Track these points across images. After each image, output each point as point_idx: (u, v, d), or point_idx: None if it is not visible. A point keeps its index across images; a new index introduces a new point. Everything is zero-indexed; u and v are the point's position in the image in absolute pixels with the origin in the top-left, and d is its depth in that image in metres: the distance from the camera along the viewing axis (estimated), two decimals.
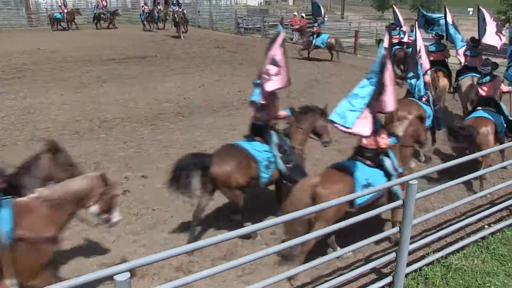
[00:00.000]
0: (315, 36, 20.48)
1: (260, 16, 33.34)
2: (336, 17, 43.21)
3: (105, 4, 34.31)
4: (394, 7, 19.33)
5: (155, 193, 7.51)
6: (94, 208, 4.58)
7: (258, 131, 6.50)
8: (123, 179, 8.03)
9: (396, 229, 4.96)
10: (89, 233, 6.28)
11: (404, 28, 16.57)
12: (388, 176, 5.60)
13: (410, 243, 4.96)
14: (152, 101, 13.31)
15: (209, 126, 11.04)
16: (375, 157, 5.68)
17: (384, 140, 5.62)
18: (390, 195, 5.65)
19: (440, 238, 6.04)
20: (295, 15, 28.31)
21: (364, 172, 5.54)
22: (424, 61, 9.03)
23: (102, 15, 33.65)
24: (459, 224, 5.92)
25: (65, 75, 17.20)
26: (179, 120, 11.55)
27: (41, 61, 19.91)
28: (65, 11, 32.55)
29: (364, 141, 5.65)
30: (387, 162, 5.63)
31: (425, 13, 15.07)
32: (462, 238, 6.09)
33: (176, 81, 15.89)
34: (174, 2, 29.79)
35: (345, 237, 6.23)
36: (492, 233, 6.23)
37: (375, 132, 5.42)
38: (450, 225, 6.25)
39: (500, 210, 6.76)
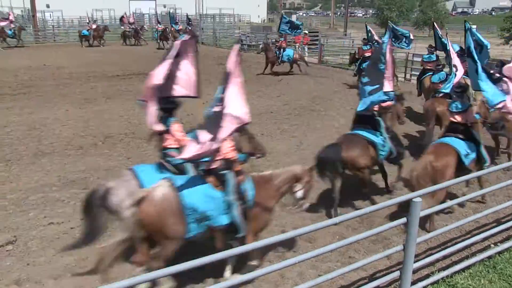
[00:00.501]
0: (282, 51, 20.91)
1: (264, 33, 33.58)
2: (339, 34, 43.41)
3: (132, 21, 35.00)
4: (366, 24, 20.56)
5: None
6: (300, 193, 5.63)
7: (366, 120, 7.76)
8: None
9: (400, 247, 4.92)
10: (92, 249, 6.25)
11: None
12: (478, 145, 7.19)
13: (415, 262, 4.91)
14: None
15: None
16: (466, 132, 7.22)
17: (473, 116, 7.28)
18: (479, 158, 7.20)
19: (445, 257, 5.96)
20: None
21: (461, 145, 7.03)
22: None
23: (127, 32, 34.30)
24: (464, 242, 5.84)
25: (70, 91, 17.32)
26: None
27: (47, 77, 20.09)
28: (93, 27, 33.46)
29: (458, 118, 7.29)
30: (476, 135, 7.27)
31: (394, 27, 17.77)
32: (468, 257, 6.02)
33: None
34: (187, 21, 30.35)
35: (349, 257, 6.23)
36: (499, 253, 6.13)
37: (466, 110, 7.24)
38: (456, 243, 6.19)
39: (507, 229, 6.67)
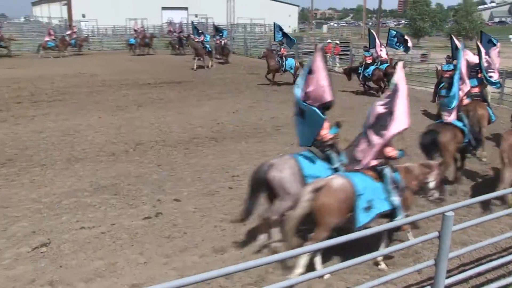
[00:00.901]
0: (284, 59, 20.99)
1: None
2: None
3: (179, 30, 36.03)
4: (370, 29, 21.28)
5: (187, 216, 7.55)
6: (432, 184, 6.25)
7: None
8: (155, 201, 8.11)
9: (431, 261, 4.83)
10: (121, 254, 6.35)
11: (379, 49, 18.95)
12: None
13: (446, 277, 4.81)
14: (186, 125, 13.49)
15: (242, 151, 11.09)
16: None
17: None
18: None
19: (479, 274, 5.81)
20: (329, 42, 28.50)
21: None
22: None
23: (172, 41, 35.35)
24: (500, 260, 5.68)
25: (103, 98, 17.70)
26: (212, 145, 11.65)
27: (81, 85, 20.58)
28: (140, 37, 35.05)
29: None
30: None
31: (395, 32, 19.85)
32: (504, 276, 5.85)
33: (210, 106, 16.10)
34: (218, 32, 30.68)
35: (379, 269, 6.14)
36: None
37: None
38: (490, 260, 6.04)
39: None
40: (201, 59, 26.28)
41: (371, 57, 18.82)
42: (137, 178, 9.24)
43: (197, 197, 8.33)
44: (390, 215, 5.92)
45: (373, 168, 5.95)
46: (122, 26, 50.72)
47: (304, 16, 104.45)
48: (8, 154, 10.82)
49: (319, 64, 6.24)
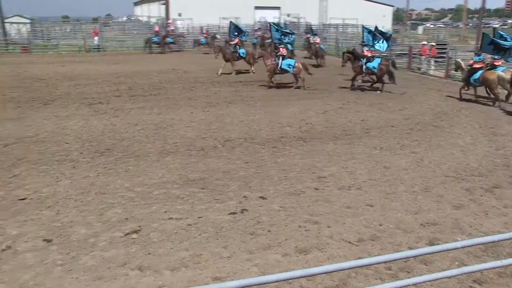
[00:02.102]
0: (281, 59, 19.91)
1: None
2: (470, 47, 40.94)
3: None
4: (363, 26, 21.63)
5: (272, 214, 7.58)
6: None
7: None
8: (241, 198, 8.23)
9: None
10: (206, 246, 6.51)
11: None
12: None
13: None
14: (275, 124, 13.58)
15: (330, 153, 10.96)
16: None
17: None
18: None
19: None
20: (424, 44, 27.42)
21: None
22: None
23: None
24: None
25: (195, 94, 18.30)
26: (300, 144, 11.62)
27: (175, 81, 21.45)
28: (209, 36, 37.50)
29: None
30: None
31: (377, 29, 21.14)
32: None
33: (299, 106, 16.08)
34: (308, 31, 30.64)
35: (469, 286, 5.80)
36: None
37: None
38: None
39: None
40: (232, 64, 24.20)
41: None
42: (225, 174, 9.43)
43: (282, 196, 8.35)
44: None
45: None
46: (216, 25, 52.07)
47: (399, 17, 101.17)
48: (106, 144, 11.51)
49: None
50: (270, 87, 20.02)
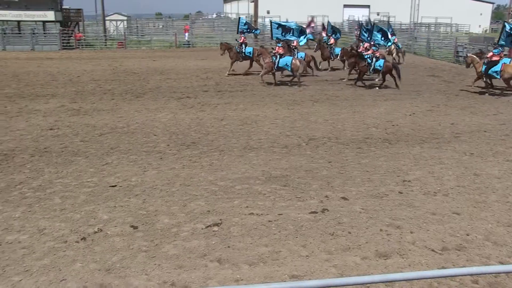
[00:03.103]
0: (278, 57, 19.75)
1: (484, 45, 30.89)
2: None
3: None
4: (360, 22, 20.64)
5: (353, 216, 7.43)
6: None
7: None
8: (323, 197, 8.14)
9: None
10: (285, 244, 6.51)
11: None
12: None
13: None
14: (360, 124, 13.31)
15: (416, 156, 10.55)
16: None
17: None
18: None
19: None
20: None
21: None
22: None
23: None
24: None
25: (280, 91, 18.37)
26: (385, 146, 11.29)
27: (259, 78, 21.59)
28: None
29: None
30: None
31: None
32: None
33: (386, 107, 15.65)
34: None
35: None
36: None
37: None
38: None
39: None
40: (231, 64, 23.14)
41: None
42: (307, 172, 9.38)
43: (365, 198, 8.16)
44: None
45: None
46: (304, 23, 51.94)
47: (499, 15, 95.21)
48: (193, 137, 11.86)
49: None
50: (276, 84, 20.13)
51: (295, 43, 22.27)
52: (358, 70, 20.18)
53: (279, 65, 19.75)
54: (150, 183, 8.75)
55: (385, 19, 55.73)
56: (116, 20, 55.74)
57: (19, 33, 42.90)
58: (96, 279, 5.67)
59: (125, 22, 56.58)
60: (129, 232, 6.86)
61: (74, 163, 9.98)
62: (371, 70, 19.62)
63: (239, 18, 25.82)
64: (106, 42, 40.23)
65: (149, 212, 7.52)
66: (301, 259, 6.20)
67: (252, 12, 56.06)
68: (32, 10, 42.91)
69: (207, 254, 6.24)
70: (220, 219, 7.26)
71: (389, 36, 21.14)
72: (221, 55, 23.29)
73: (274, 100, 16.68)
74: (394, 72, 19.18)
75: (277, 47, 20.30)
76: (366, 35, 20.88)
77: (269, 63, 19.82)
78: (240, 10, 70.94)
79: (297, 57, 21.11)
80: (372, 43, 20.33)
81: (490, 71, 18.01)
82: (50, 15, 43.49)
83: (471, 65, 18.98)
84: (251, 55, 22.49)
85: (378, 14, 59.05)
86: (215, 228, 6.98)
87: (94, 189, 8.51)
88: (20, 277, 5.73)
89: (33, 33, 42.04)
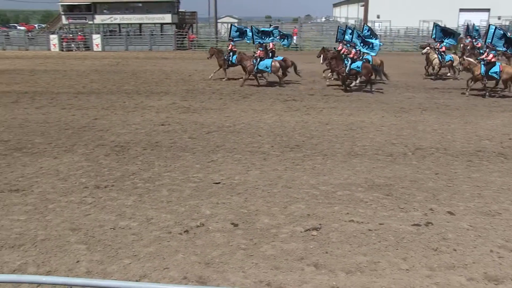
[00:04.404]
0: (258, 60, 20.46)
1: None
2: None
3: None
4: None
5: (460, 232, 7.04)
6: None
7: None
8: (427, 210, 7.81)
9: None
10: (385, 255, 6.34)
11: None
12: None
13: None
14: (472, 136, 12.55)
15: None
16: None
17: None
18: None
19: None
20: None
21: None
22: None
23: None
24: None
25: (388, 98, 17.90)
26: (500, 161, 10.54)
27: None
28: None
29: None
30: None
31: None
32: None
33: (503, 119, 14.62)
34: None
35: None
36: None
37: None
38: None
39: None
40: (224, 70, 22.97)
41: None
42: (412, 183, 9.04)
43: (474, 214, 7.69)
44: None
45: None
46: (415, 28, 50.03)
47: None
48: (297, 140, 11.95)
49: None
50: (260, 84, 20.87)
51: (271, 46, 22.66)
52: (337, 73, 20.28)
53: (259, 68, 20.70)
54: (252, 183, 8.96)
55: (508, 23, 51.96)
56: (228, 23, 57.65)
57: (140, 35, 46.17)
58: (196, 271, 5.93)
59: (236, 24, 58.32)
60: (230, 229, 7.08)
61: (181, 158, 10.51)
62: (346, 71, 19.42)
63: (231, 25, 25.67)
64: (217, 43, 41.73)
65: (250, 211, 7.71)
66: (401, 272, 6.00)
67: (361, 16, 55.18)
68: (152, 14, 46.18)
69: (304, 258, 6.26)
70: (320, 224, 7.25)
71: None
72: (208, 58, 23.62)
73: (381, 106, 16.28)
74: (375, 73, 19.73)
75: (258, 51, 21.13)
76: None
77: (250, 66, 20.76)
78: (349, 14, 70.13)
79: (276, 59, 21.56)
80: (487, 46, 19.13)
81: (490, 72, 18.16)
82: (167, 18, 46.51)
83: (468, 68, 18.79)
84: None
85: (499, 18, 55.14)
86: (314, 233, 6.98)
87: (199, 184, 8.89)
88: (129, 261, 6.16)
89: (152, 35, 45.11)
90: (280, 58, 22.03)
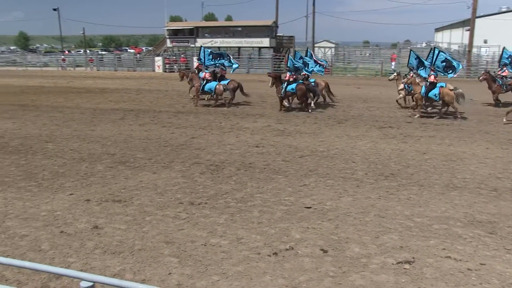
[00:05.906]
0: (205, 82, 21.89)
1: None
2: None
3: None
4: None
5: None
6: None
7: None
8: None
9: None
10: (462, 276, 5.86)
11: None
12: None
13: None
14: None
15: None
16: None
17: None
18: None
19: None
20: None
21: None
22: None
23: None
24: None
25: (493, 128, 16.81)
26: None
27: (468, 112, 20.05)
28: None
29: None
30: None
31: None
32: None
33: None
34: None
35: None
36: None
37: None
38: None
39: None
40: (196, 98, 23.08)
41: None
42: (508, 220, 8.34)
43: None
44: None
45: None
46: None
47: None
48: (392, 168, 11.54)
49: None
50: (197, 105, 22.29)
51: (218, 70, 23.54)
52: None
53: (204, 89, 21.97)
54: (344, 210, 8.76)
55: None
56: (325, 47, 57.79)
57: (238, 57, 47.74)
58: None
59: (333, 49, 58.35)
60: (319, 254, 6.94)
61: (274, 180, 10.54)
62: (282, 93, 20.16)
63: (201, 47, 24.80)
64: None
65: (340, 238, 7.52)
66: None
67: (466, 41, 52.65)
68: (251, 38, 47.64)
69: None
70: (413, 257, 6.87)
71: None
72: (180, 81, 24.77)
73: (485, 137, 15.30)
74: (309, 94, 20.18)
75: (204, 73, 22.35)
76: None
77: (197, 86, 22.05)
78: (452, 39, 67.31)
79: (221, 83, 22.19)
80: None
81: (429, 94, 18.62)
82: (265, 42, 47.75)
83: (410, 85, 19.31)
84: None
85: None
86: (407, 266, 6.63)
87: (290, 207, 8.85)
88: (218, 278, 6.24)
89: (250, 58, 46.41)
90: (227, 81, 22.58)
